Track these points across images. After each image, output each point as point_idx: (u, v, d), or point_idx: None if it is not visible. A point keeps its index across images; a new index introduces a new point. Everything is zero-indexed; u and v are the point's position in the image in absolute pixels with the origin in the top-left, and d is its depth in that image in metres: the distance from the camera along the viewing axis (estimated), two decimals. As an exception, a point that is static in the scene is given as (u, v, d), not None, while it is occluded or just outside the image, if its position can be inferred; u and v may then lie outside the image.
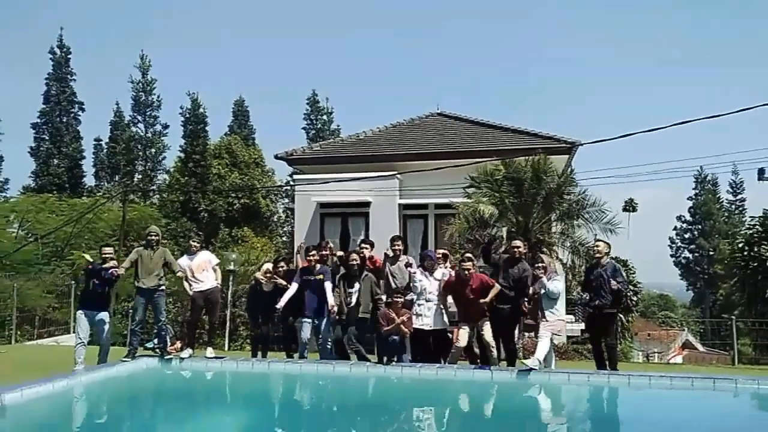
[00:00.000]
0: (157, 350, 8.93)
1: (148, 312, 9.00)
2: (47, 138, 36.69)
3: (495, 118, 19.55)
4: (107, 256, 8.77)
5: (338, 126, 41.45)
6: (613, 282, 7.88)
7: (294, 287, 8.63)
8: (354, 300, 8.44)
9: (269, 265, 9.39)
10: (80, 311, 8.62)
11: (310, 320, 8.64)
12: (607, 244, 8.63)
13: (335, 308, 8.40)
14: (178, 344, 9.29)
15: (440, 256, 9.04)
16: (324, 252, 9.31)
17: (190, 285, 8.85)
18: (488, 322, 8.01)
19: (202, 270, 8.88)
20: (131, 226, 24.17)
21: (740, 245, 17.09)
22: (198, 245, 9.24)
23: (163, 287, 8.80)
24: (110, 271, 8.45)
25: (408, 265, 8.72)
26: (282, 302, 8.54)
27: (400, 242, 8.99)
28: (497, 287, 7.96)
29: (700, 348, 27.21)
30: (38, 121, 36.86)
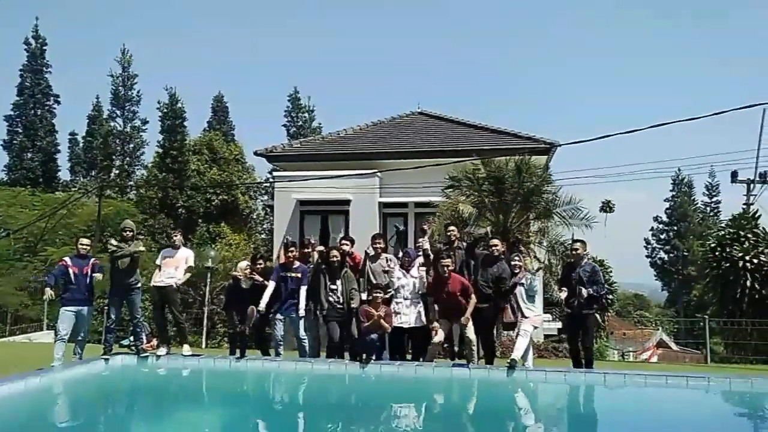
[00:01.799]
0: (133, 347, 8.80)
1: (123, 309, 8.86)
2: (21, 131, 35.99)
3: (476, 118, 19.71)
4: (83, 248, 8.58)
5: (319, 124, 41.38)
6: (584, 290, 7.91)
7: (272, 285, 8.56)
8: (341, 298, 8.39)
9: (246, 262, 9.31)
10: (65, 308, 8.31)
11: (282, 317, 8.60)
12: (584, 243, 8.66)
13: (302, 314, 8.42)
14: (154, 341, 9.17)
15: (423, 229, 9.37)
16: (306, 250, 9.26)
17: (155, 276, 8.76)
18: (470, 320, 8.02)
19: (174, 266, 8.79)
20: (107, 222, 23.81)
21: (712, 246, 17.39)
22: (181, 239, 9.17)
23: (138, 284, 8.66)
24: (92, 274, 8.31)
25: (389, 260, 8.74)
26: (263, 303, 8.46)
27: (381, 240, 8.99)
28: (474, 300, 7.97)
29: (674, 347, 27.65)
30: (12, 113, 36.15)
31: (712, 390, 7.36)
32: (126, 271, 8.43)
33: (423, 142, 17.96)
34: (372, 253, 8.82)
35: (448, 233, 8.93)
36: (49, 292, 8.46)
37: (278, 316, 8.61)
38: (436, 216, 12.73)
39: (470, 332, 8.00)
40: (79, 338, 8.54)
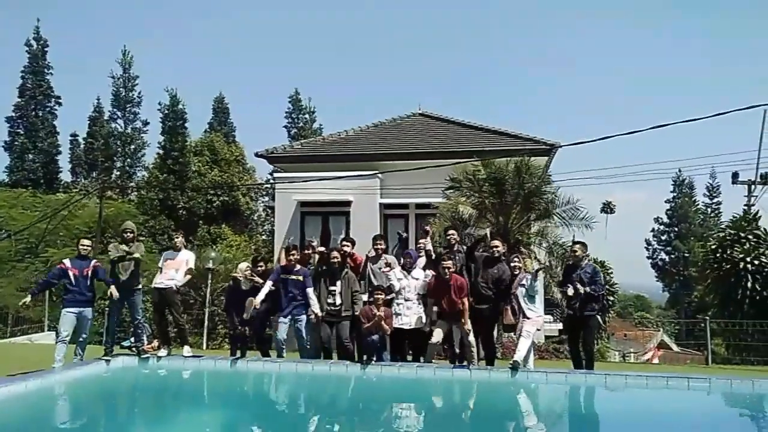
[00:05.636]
0: (134, 349, 8.80)
1: (124, 310, 8.87)
2: (22, 132, 36.02)
3: (476, 119, 19.71)
4: (84, 248, 8.58)
5: (320, 125, 41.35)
6: (580, 287, 7.87)
7: (268, 285, 8.52)
8: (338, 299, 8.38)
9: (247, 264, 9.30)
10: (66, 309, 8.30)
11: (286, 320, 8.57)
12: (584, 244, 8.60)
13: (320, 315, 8.35)
14: (155, 343, 9.16)
15: (425, 230, 9.41)
16: (306, 251, 9.24)
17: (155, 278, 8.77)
18: (469, 322, 8.00)
19: (175, 268, 8.79)
20: (108, 223, 23.82)
21: (713, 247, 17.37)
22: (182, 242, 9.17)
23: (139, 285, 8.67)
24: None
25: (388, 264, 8.71)
26: (258, 300, 8.44)
27: (382, 241, 8.99)
28: (467, 304, 7.94)
29: (675, 348, 27.65)
30: (13, 114, 36.18)
31: (714, 391, 7.35)
32: (126, 274, 8.45)
33: (424, 143, 17.96)
34: (373, 254, 8.83)
35: (448, 237, 8.92)
36: (27, 300, 9.01)
37: (281, 318, 8.55)
38: (437, 217, 12.73)
39: (470, 335, 8.00)
40: (80, 339, 8.54)
